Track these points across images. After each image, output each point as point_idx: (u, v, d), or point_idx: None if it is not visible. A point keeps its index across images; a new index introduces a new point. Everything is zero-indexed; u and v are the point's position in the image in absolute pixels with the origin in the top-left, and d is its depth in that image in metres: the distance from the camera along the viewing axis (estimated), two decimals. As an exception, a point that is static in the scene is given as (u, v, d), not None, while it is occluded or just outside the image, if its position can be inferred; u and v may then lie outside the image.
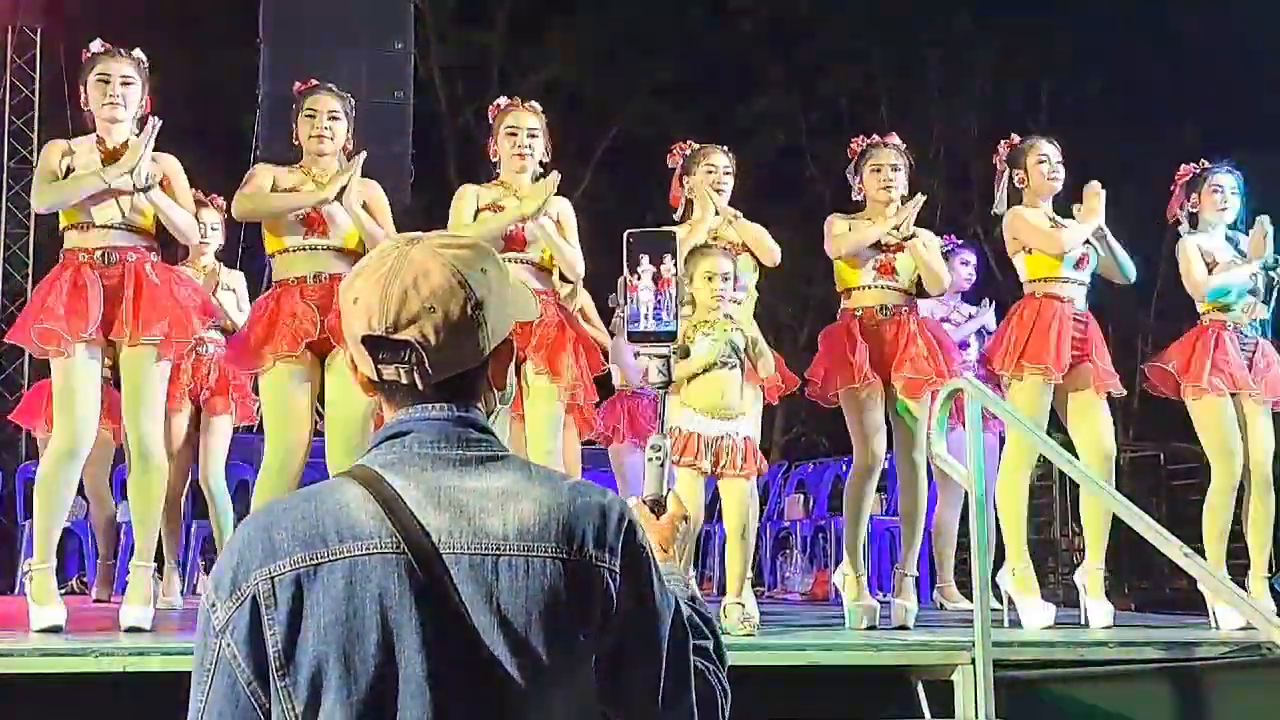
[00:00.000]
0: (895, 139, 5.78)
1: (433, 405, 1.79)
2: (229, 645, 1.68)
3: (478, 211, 5.20)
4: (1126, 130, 16.83)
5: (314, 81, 5.24)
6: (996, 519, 5.63)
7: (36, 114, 12.75)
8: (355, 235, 5.00)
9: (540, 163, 5.35)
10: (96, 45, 4.97)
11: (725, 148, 5.68)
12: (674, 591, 1.92)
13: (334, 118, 5.09)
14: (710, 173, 5.56)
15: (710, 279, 5.12)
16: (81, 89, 4.98)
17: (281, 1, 11.09)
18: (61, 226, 4.88)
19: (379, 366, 1.79)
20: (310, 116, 5.08)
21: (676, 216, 5.70)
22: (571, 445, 6.82)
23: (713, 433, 5.04)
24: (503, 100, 5.42)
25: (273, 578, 1.68)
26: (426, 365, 1.77)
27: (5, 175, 12.76)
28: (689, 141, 5.75)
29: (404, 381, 1.79)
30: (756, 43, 19.69)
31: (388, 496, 1.71)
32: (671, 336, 2.22)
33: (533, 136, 5.28)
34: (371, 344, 1.78)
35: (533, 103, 5.40)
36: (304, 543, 1.69)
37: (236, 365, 5.04)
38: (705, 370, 5.05)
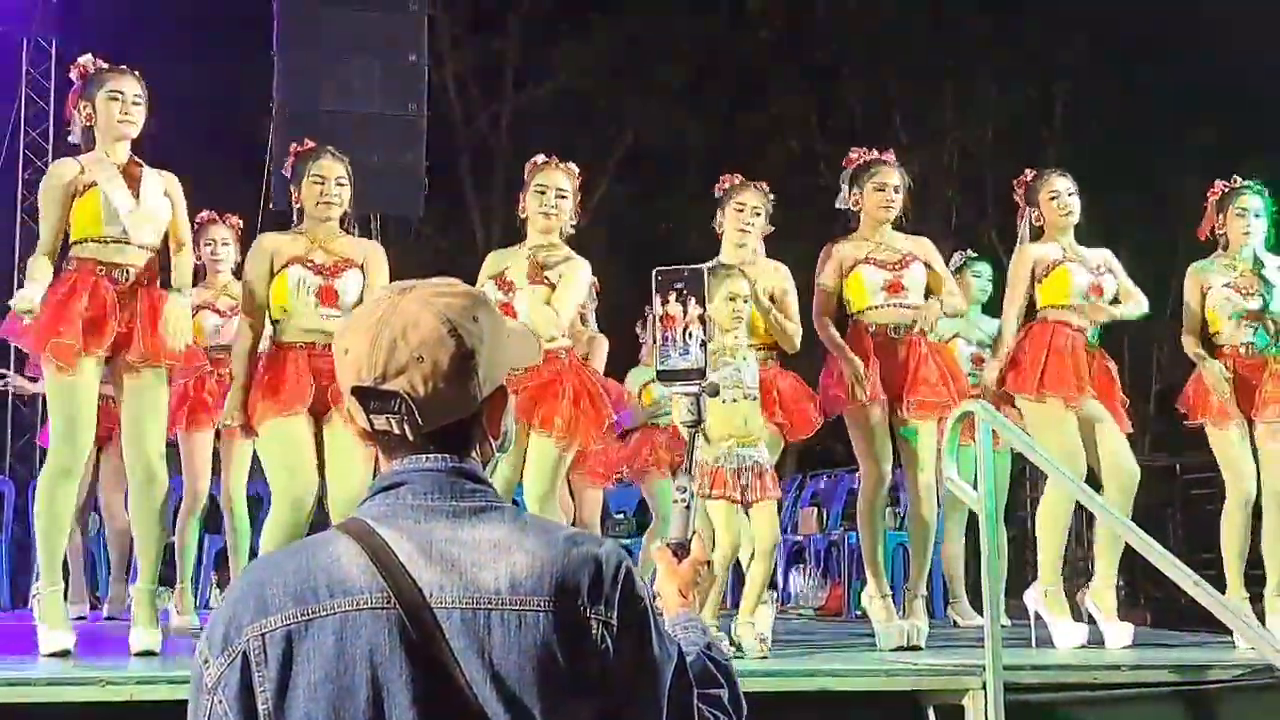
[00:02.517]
0: (892, 156, 5.74)
1: (426, 456, 1.78)
2: (220, 703, 1.67)
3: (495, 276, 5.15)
4: (1141, 135, 16.76)
5: (311, 143, 5.21)
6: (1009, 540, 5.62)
7: (51, 125, 12.76)
8: None
9: (571, 224, 5.29)
10: (88, 60, 4.92)
11: (757, 184, 5.58)
12: (691, 639, 1.91)
13: (341, 184, 5.05)
14: (739, 211, 5.46)
15: (732, 299, 5.09)
16: (83, 105, 4.90)
17: (295, 13, 11.07)
18: (78, 236, 4.82)
19: (371, 417, 1.78)
20: (318, 183, 5.01)
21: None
22: (593, 500, 6.82)
23: (734, 464, 4.99)
24: (539, 157, 5.31)
25: (264, 634, 1.67)
26: (416, 416, 1.76)
27: (20, 187, 12.77)
28: (735, 176, 5.64)
29: (395, 432, 1.78)
30: (770, 48, 19.66)
31: (379, 550, 1.70)
32: (700, 374, 2.21)
33: (561, 197, 5.19)
34: (361, 395, 1.77)
35: (570, 164, 5.31)
36: (295, 598, 1.68)
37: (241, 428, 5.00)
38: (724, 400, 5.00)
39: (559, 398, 5.03)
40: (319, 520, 4.76)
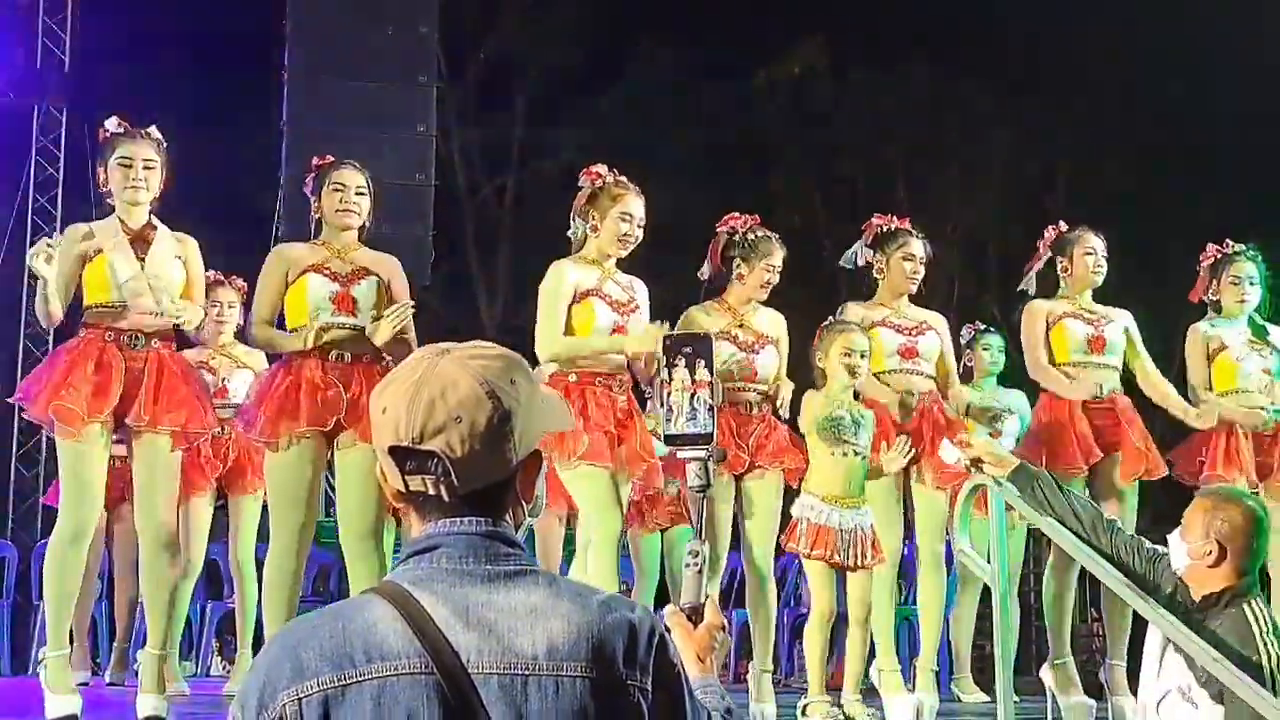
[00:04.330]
0: (907, 225, 5.71)
1: (460, 519, 1.78)
2: None
3: (579, 296, 4.94)
4: (1144, 210, 16.84)
5: (331, 157, 5.18)
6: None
7: (60, 193, 12.85)
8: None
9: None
10: (113, 124, 4.92)
11: (778, 238, 5.42)
12: (711, 705, 1.90)
13: (360, 193, 5.02)
14: (769, 270, 5.31)
15: (848, 355, 5.01)
16: (100, 170, 4.93)
17: (303, 83, 11.18)
18: (89, 302, 4.82)
19: (406, 477, 1.78)
20: (338, 190, 4.98)
21: (705, 287, 5.53)
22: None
23: (843, 524, 4.91)
24: (607, 173, 5.18)
25: (300, 699, 1.66)
26: (453, 477, 1.76)
27: (29, 252, 12.84)
28: (745, 219, 5.42)
29: (431, 493, 1.78)
30: (773, 123, 19.81)
31: (416, 615, 1.69)
32: (709, 439, 2.22)
33: (640, 226, 5.09)
34: (399, 454, 1.77)
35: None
36: (332, 663, 1.67)
37: (249, 432, 4.98)
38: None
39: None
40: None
